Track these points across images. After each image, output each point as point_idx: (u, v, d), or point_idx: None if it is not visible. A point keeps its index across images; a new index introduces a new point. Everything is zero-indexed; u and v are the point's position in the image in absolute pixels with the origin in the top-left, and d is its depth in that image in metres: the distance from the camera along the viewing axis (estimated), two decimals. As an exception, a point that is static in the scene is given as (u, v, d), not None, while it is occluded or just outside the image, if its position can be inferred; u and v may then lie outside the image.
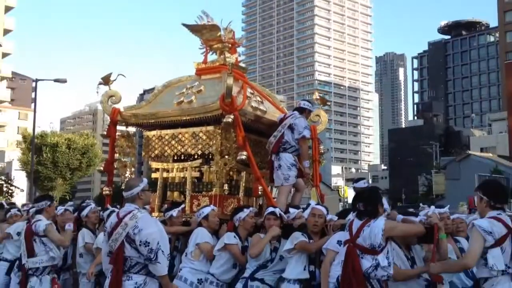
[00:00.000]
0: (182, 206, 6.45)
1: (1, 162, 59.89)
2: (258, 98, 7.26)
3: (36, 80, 32.63)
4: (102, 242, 4.92)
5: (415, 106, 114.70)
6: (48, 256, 6.17)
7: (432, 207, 5.19)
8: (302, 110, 6.89)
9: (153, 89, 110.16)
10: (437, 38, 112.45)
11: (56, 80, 32.73)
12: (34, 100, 32.43)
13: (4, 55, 73.55)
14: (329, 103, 7.82)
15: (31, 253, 6.18)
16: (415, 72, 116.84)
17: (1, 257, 7.18)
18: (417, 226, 4.38)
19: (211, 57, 7.44)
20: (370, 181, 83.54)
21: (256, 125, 7.00)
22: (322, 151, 7.54)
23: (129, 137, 7.49)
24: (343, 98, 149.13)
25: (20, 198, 46.38)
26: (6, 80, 75.61)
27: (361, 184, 7.04)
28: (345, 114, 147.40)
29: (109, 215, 6.28)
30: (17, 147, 68.16)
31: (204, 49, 7.35)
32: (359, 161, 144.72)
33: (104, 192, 7.64)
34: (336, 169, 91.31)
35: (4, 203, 9.23)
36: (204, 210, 5.85)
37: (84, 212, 6.91)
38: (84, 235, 6.71)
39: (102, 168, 7.65)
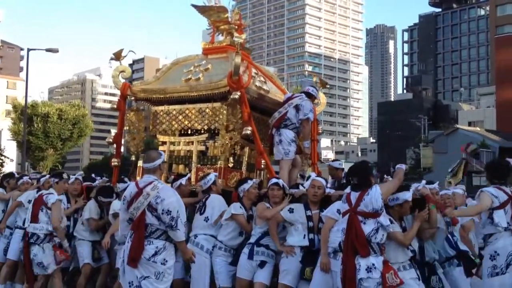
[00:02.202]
0: (188, 175, 6.82)
1: (-10, 131, 59.60)
2: (262, 78, 7.65)
3: (28, 50, 32.43)
4: (120, 210, 5.26)
5: (404, 79, 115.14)
6: (49, 226, 6.60)
7: (423, 181, 5.77)
8: (309, 95, 7.29)
9: (142, 59, 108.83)
10: (428, 10, 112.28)
11: (48, 50, 32.64)
12: (26, 70, 32.25)
13: (-8, 23, 72.52)
14: (328, 86, 8.29)
15: (35, 219, 6.60)
16: (405, 45, 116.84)
17: (16, 225, 7.54)
18: (396, 180, 5.07)
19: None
20: (359, 154, 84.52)
21: (259, 103, 7.40)
22: (320, 131, 8.01)
23: (138, 111, 7.81)
24: (333, 70, 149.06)
25: (10, 168, 46.45)
26: (-6, 49, 74.76)
27: (336, 165, 7.99)
28: (334, 87, 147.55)
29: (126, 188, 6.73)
30: (6, 116, 67.81)
31: (212, 30, 7.66)
32: (348, 134, 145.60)
33: (112, 163, 7.94)
34: (325, 142, 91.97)
35: (15, 172, 9.59)
36: (210, 177, 6.25)
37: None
38: (91, 210, 7.12)
39: (111, 140, 8.00)
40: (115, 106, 7.85)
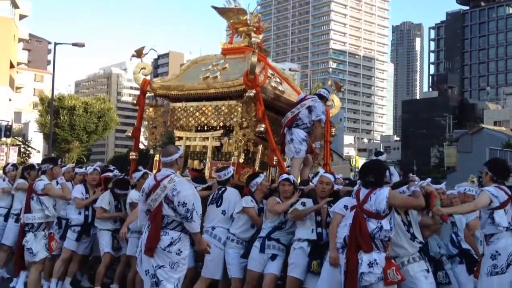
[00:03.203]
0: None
1: (18, 123, 60.85)
2: (278, 79, 7.84)
3: (55, 44, 33.09)
4: (139, 202, 5.50)
5: (430, 77, 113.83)
6: (42, 214, 6.74)
7: (428, 179, 5.87)
8: (321, 97, 7.45)
9: (167, 54, 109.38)
10: (455, 8, 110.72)
11: (74, 44, 33.33)
12: (53, 64, 32.92)
13: (22, 16, 73.86)
14: (343, 90, 8.42)
15: (27, 209, 6.77)
16: (432, 43, 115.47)
17: None
18: (418, 200, 4.94)
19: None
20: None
21: (274, 103, 7.59)
22: (334, 133, 8.16)
23: (156, 106, 8.06)
24: (358, 67, 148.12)
25: (37, 159, 47.45)
26: (22, 42, 76.10)
27: (383, 158, 7.66)
28: (359, 84, 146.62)
29: (142, 176, 6.96)
30: (33, 109, 69.12)
31: (231, 31, 7.88)
32: (372, 132, 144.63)
33: (131, 157, 8.18)
34: (348, 139, 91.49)
35: (35, 164, 9.92)
36: (230, 169, 6.45)
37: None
38: (103, 199, 7.36)
39: (130, 134, 8.26)
40: (134, 101, 8.09)
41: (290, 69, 50.51)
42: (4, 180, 9.81)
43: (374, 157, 7.92)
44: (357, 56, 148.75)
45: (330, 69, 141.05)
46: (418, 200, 4.95)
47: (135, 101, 8.16)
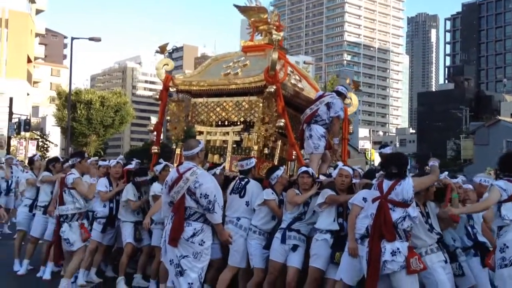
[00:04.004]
0: (223, 165, 7.23)
1: (36, 117, 61.59)
2: (297, 77, 8.02)
3: (72, 38, 33.49)
4: (162, 194, 5.69)
5: (446, 69, 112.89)
6: (74, 206, 6.99)
7: (445, 172, 5.98)
8: (339, 94, 7.59)
9: (181, 47, 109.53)
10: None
11: (90, 39, 33.70)
12: (70, 58, 33.34)
13: (38, 11, 74.50)
14: (361, 88, 8.56)
15: (61, 202, 7.03)
16: (448, 34, 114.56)
17: None
18: (433, 175, 5.29)
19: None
20: (397, 145, 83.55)
21: (293, 100, 7.74)
22: (351, 131, 8.31)
23: (178, 101, 8.24)
24: (373, 60, 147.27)
25: (54, 152, 48.08)
26: (39, 37, 76.79)
27: (387, 150, 7.81)
28: (374, 77, 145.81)
29: (163, 168, 7.17)
30: (50, 103, 69.87)
31: (251, 29, 8.04)
32: (387, 124, 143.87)
33: (152, 150, 8.34)
34: (363, 131, 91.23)
35: (59, 156, 10.24)
36: (252, 160, 6.64)
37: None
38: (128, 191, 7.55)
39: (151, 128, 8.47)
40: (157, 96, 8.26)
41: (304, 62, 50.51)
42: (27, 172, 10.14)
43: (380, 150, 8.13)
44: (371, 48, 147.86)
45: (345, 62, 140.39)
46: (432, 175, 5.25)
47: (157, 96, 8.34)
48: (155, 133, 8.46)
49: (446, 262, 5.27)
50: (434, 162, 5.39)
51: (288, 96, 7.49)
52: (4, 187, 12.50)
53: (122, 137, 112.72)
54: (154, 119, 8.47)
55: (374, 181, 5.60)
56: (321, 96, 7.49)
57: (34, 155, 10.25)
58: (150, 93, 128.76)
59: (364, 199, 5.41)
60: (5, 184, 12.58)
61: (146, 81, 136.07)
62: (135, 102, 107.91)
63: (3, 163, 13.42)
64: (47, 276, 7.87)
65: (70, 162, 7.25)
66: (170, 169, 7.18)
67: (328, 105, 7.33)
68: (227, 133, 7.70)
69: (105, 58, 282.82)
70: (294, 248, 5.91)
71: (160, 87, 8.36)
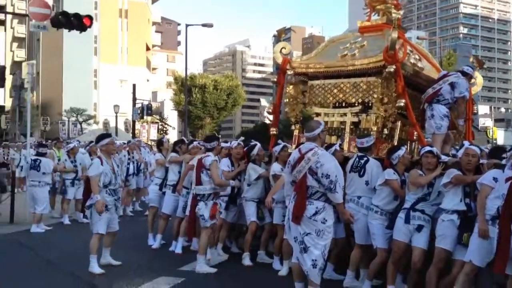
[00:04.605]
0: (339, 142, 7.38)
1: (155, 102, 65.20)
2: (417, 56, 7.85)
3: (187, 25, 34.97)
4: (285, 173, 5.94)
5: None
6: (211, 186, 7.35)
7: None
8: (464, 74, 7.38)
9: (289, 29, 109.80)
10: None
11: (203, 25, 34.97)
12: (185, 44, 34.82)
13: (154, 1, 78.32)
14: (485, 67, 8.19)
15: (198, 182, 7.43)
16: None
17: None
18: None
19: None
20: (520, 122, 77.67)
21: (413, 80, 7.62)
22: (475, 111, 7.96)
23: (296, 84, 8.43)
24: (492, 32, 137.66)
25: (173, 135, 50.74)
26: (155, 25, 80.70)
27: None
28: (493, 50, 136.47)
29: (282, 149, 7.46)
30: (167, 88, 73.52)
31: (368, 10, 8.04)
32: (509, 100, 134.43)
33: (271, 132, 8.65)
34: (483, 108, 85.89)
35: (185, 139, 10.93)
36: (371, 138, 6.69)
37: (254, 151, 8.08)
38: (256, 169, 7.87)
39: (270, 111, 8.76)
40: (274, 79, 8.53)
41: (418, 38, 48.59)
42: (154, 154, 10.94)
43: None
44: (490, 20, 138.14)
45: (461, 35, 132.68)
46: None
47: (275, 79, 8.60)
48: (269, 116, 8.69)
49: None
50: None
51: (407, 75, 7.39)
52: (132, 169, 13.48)
53: (233, 119, 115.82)
54: (263, 101, 8.75)
55: (504, 162, 5.43)
56: (445, 75, 7.31)
57: (162, 138, 11.03)
58: (259, 76, 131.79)
59: (495, 179, 5.25)
60: (134, 166, 13.57)
61: (255, 64, 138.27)
62: (245, 84, 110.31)
63: (129, 143, 14.43)
64: (178, 250, 8.50)
65: (208, 146, 7.66)
66: (289, 150, 7.47)
67: (452, 85, 7.14)
68: (345, 114, 7.78)
69: (215, 43, 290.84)
70: (419, 228, 5.86)
71: (269, 69, 8.65)
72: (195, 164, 7.53)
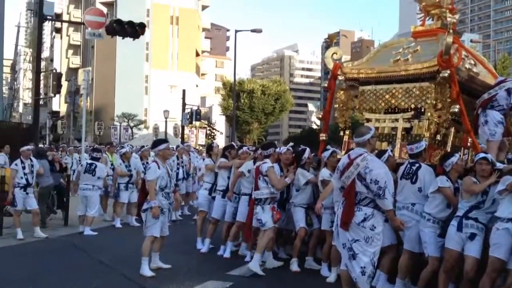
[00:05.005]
0: (390, 148, 7.23)
1: (203, 107, 66.05)
2: (472, 61, 7.67)
3: (236, 31, 35.39)
4: (334, 179, 5.88)
5: None
6: (269, 191, 7.53)
7: None
8: None
9: (338, 33, 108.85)
10: None
11: (253, 30, 35.32)
12: (234, 50, 35.21)
13: (203, 7, 79.51)
14: None
15: (256, 187, 7.63)
16: None
17: (242, 192, 8.71)
18: None
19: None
20: None
21: (468, 85, 7.44)
22: None
23: (346, 90, 8.38)
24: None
25: (220, 140, 51.25)
26: (205, 31, 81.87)
27: None
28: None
29: (331, 155, 7.45)
30: (215, 93, 74.38)
31: (422, 14, 7.91)
32: None
33: (320, 138, 8.64)
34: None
35: (234, 144, 11.04)
36: (422, 143, 6.52)
37: (305, 155, 8.04)
38: (304, 174, 7.86)
39: (320, 116, 8.73)
40: (325, 85, 8.51)
41: (471, 41, 47.26)
42: (203, 159, 11.08)
43: None
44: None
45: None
46: None
47: (324, 84, 8.57)
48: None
49: None
50: None
51: (462, 81, 7.23)
52: (182, 173, 13.66)
53: (281, 124, 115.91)
54: (311, 106, 8.73)
55: None
56: (502, 81, 7.12)
57: (212, 143, 11.17)
58: (307, 80, 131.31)
59: None
60: (183, 171, 13.76)
61: (303, 68, 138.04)
62: (292, 89, 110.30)
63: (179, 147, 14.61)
64: (227, 254, 8.57)
65: (265, 153, 7.82)
66: (338, 156, 7.42)
67: (509, 91, 6.94)
68: (396, 120, 7.66)
69: (263, 48, 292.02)
70: (472, 236, 5.71)
71: (317, 73, 8.63)
72: (252, 170, 7.72)
